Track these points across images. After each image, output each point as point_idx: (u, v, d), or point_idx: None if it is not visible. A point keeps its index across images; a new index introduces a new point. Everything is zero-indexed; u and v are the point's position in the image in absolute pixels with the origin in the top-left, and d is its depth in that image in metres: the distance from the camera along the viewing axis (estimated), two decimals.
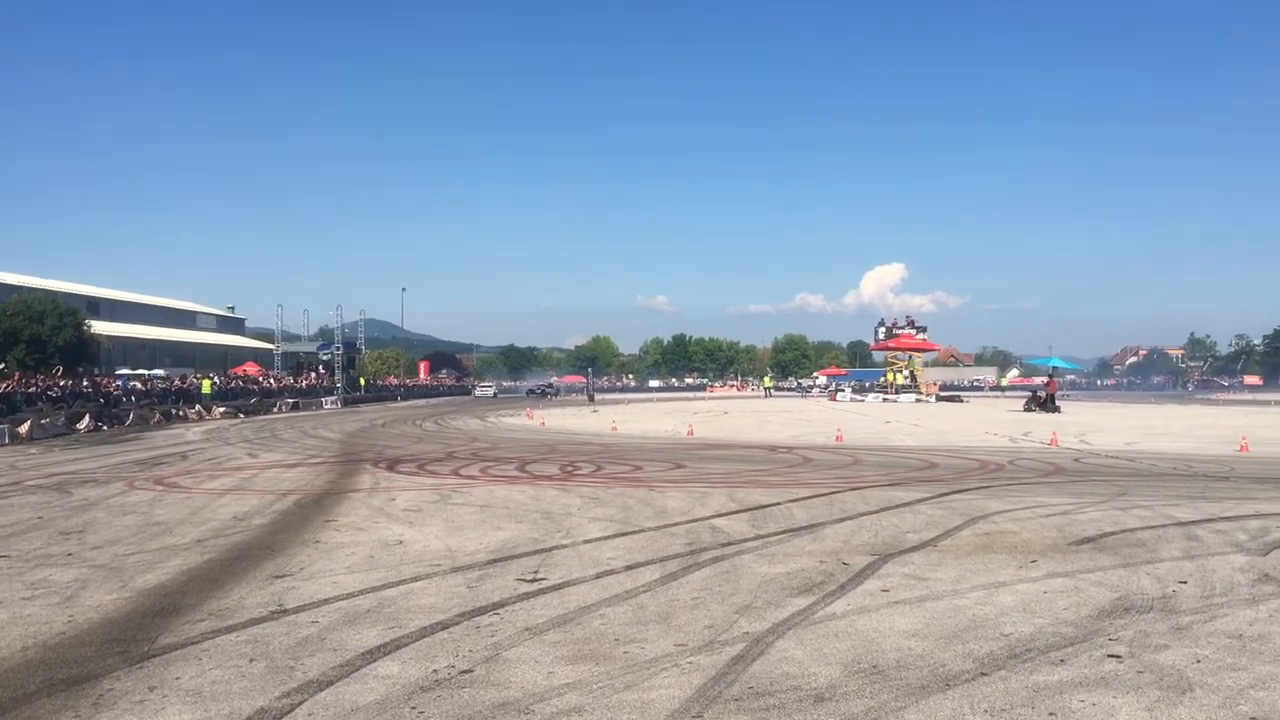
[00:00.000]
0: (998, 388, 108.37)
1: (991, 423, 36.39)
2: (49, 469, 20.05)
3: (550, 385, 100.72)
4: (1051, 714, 5.06)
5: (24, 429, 30.04)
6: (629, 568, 8.87)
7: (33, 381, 38.27)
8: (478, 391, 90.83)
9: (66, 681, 5.71)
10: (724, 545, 9.96)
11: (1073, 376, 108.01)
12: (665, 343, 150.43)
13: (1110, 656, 6.03)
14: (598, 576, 8.50)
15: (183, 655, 6.21)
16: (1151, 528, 10.84)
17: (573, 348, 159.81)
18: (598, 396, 78.34)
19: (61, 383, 39.70)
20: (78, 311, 56.32)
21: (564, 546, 10.02)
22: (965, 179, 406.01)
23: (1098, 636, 6.46)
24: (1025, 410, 45.61)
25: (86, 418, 35.49)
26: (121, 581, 8.54)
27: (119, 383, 46.94)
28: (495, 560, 9.31)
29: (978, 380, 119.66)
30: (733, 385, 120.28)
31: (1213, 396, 79.93)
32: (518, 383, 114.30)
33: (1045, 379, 55.99)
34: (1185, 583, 8.07)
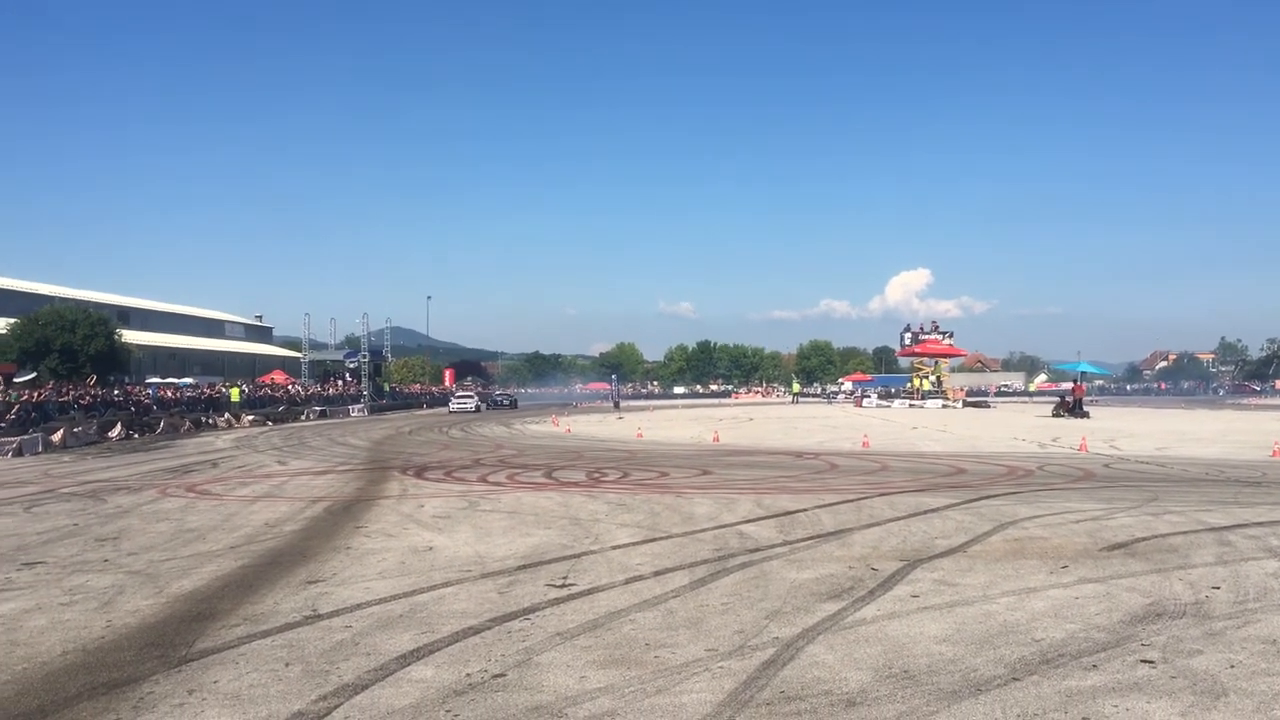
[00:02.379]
0: (1025, 393, 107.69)
1: (1019, 428, 36.17)
2: (83, 476, 20.29)
3: (506, 394, 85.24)
4: (1084, 718, 5.05)
5: (57, 437, 30.41)
6: (658, 573, 8.90)
7: (66, 390, 38.66)
8: (454, 404, 65.48)
9: (107, 685, 5.80)
10: (752, 551, 9.97)
11: (1101, 381, 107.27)
12: (690, 349, 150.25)
13: (1143, 662, 6.01)
14: (627, 582, 8.54)
15: (220, 659, 6.29)
16: (1183, 533, 10.77)
17: (597, 355, 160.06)
18: (623, 403, 78.43)
19: (94, 391, 40.08)
20: (109, 321, 56.76)
21: (593, 552, 10.07)
22: (991, 183, 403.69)
23: (1130, 642, 6.44)
24: (1054, 415, 45.30)
25: (118, 426, 35.87)
26: (157, 587, 8.65)
27: (149, 391, 47.38)
28: (525, 566, 9.36)
29: (1005, 385, 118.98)
30: (758, 391, 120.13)
31: (1244, 401, 79.07)
32: (542, 389, 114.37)
33: (1073, 384, 55.63)
34: (1218, 588, 8.03)
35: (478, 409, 63.66)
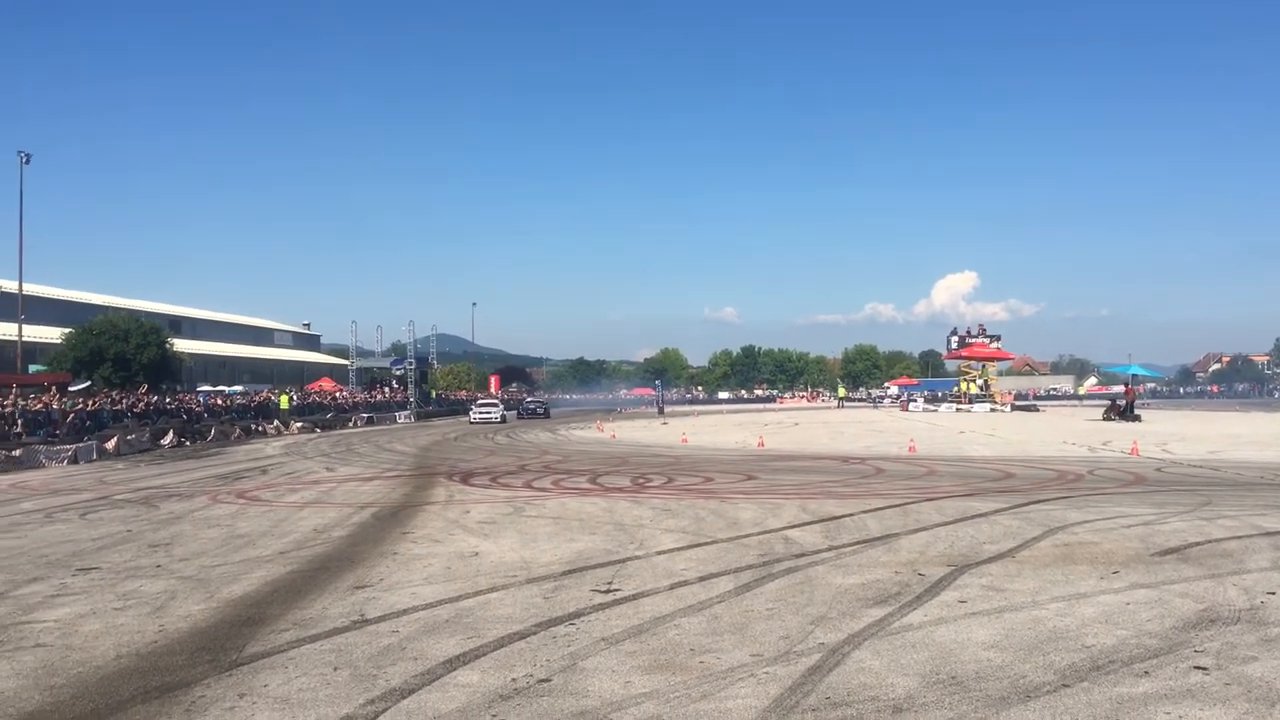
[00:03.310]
0: (1075, 396, 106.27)
1: (1069, 432, 35.72)
2: (135, 483, 20.64)
3: (539, 401, 75.78)
4: None
5: (111, 445, 30.95)
6: (703, 579, 8.89)
7: (119, 399, 39.35)
8: (475, 414, 57.81)
9: (160, 689, 5.89)
10: (797, 556, 9.93)
11: (1153, 384, 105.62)
12: (734, 354, 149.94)
13: (1196, 668, 5.91)
14: (672, 587, 8.53)
15: (270, 663, 6.37)
16: (1238, 538, 10.58)
17: (642, 360, 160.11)
18: (667, 409, 78.40)
19: (146, 399, 40.76)
20: (161, 330, 57.76)
21: (637, 558, 10.07)
22: (1038, 185, 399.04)
23: (1183, 648, 6.34)
24: (1104, 419, 44.70)
25: (170, 433, 36.48)
26: (209, 592, 8.77)
27: (200, 399, 48.12)
28: (570, 571, 9.39)
29: (1054, 389, 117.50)
30: (803, 396, 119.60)
31: None
32: (587, 395, 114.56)
33: (1124, 387, 54.84)
34: (1274, 594, 7.87)
35: (503, 419, 56.59)
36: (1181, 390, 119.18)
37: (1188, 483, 16.86)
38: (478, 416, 56.61)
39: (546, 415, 65.73)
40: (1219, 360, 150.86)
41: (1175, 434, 32.99)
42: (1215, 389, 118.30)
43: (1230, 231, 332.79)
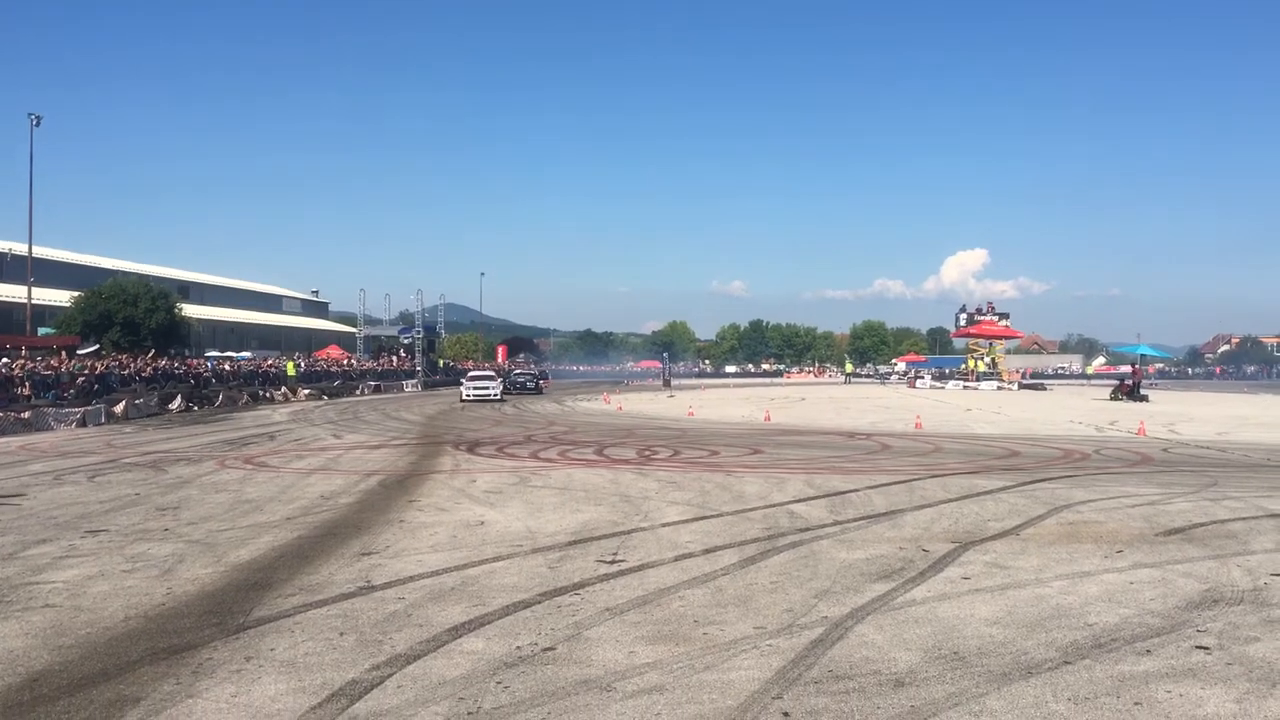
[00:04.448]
0: (1083, 375, 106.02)
1: (1076, 411, 35.66)
2: (144, 447, 20.73)
3: (529, 373, 60.48)
4: (1137, 704, 5.00)
5: (119, 409, 31.09)
6: (707, 551, 8.92)
7: (127, 363, 39.47)
8: (470, 389, 44.47)
9: (167, 650, 5.94)
10: (802, 530, 9.96)
11: (1161, 365, 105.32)
12: (742, 328, 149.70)
13: (1199, 648, 5.93)
14: (676, 559, 8.57)
15: (276, 628, 6.42)
16: (1243, 519, 10.58)
17: (649, 333, 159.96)
18: (674, 382, 78.40)
19: (154, 364, 40.88)
20: (170, 295, 57.80)
21: (642, 529, 10.11)
22: (1049, 163, 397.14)
23: (1186, 628, 6.36)
24: (1112, 399, 44.58)
25: (178, 398, 36.61)
26: (216, 556, 8.83)
27: (208, 364, 48.23)
28: (575, 542, 9.43)
29: (1062, 368, 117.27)
30: (810, 371, 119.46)
31: None
32: (594, 367, 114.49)
33: (1132, 367, 54.70)
34: (1278, 575, 7.88)
35: (501, 397, 44.88)
36: (1190, 371, 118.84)
37: (1194, 463, 16.84)
38: (472, 393, 43.82)
39: (539, 391, 53.74)
40: (1228, 341, 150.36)
41: (1182, 415, 32.91)
42: (1218, 370, 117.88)
43: (1243, 213, 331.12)
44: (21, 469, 16.55)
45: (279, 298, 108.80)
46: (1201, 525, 10.20)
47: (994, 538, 9.56)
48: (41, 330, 51.36)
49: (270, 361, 55.01)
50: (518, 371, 62.80)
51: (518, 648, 5.97)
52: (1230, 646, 5.96)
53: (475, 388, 44.66)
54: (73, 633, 6.36)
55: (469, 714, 4.87)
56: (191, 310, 65.62)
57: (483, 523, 10.59)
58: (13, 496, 13.04)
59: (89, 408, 29.48)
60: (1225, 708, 4.96)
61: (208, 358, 55.02)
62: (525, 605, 6.96)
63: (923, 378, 73.14)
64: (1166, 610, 6.80)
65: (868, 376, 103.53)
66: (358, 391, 54.13)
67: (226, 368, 48.44)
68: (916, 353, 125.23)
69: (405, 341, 74.79)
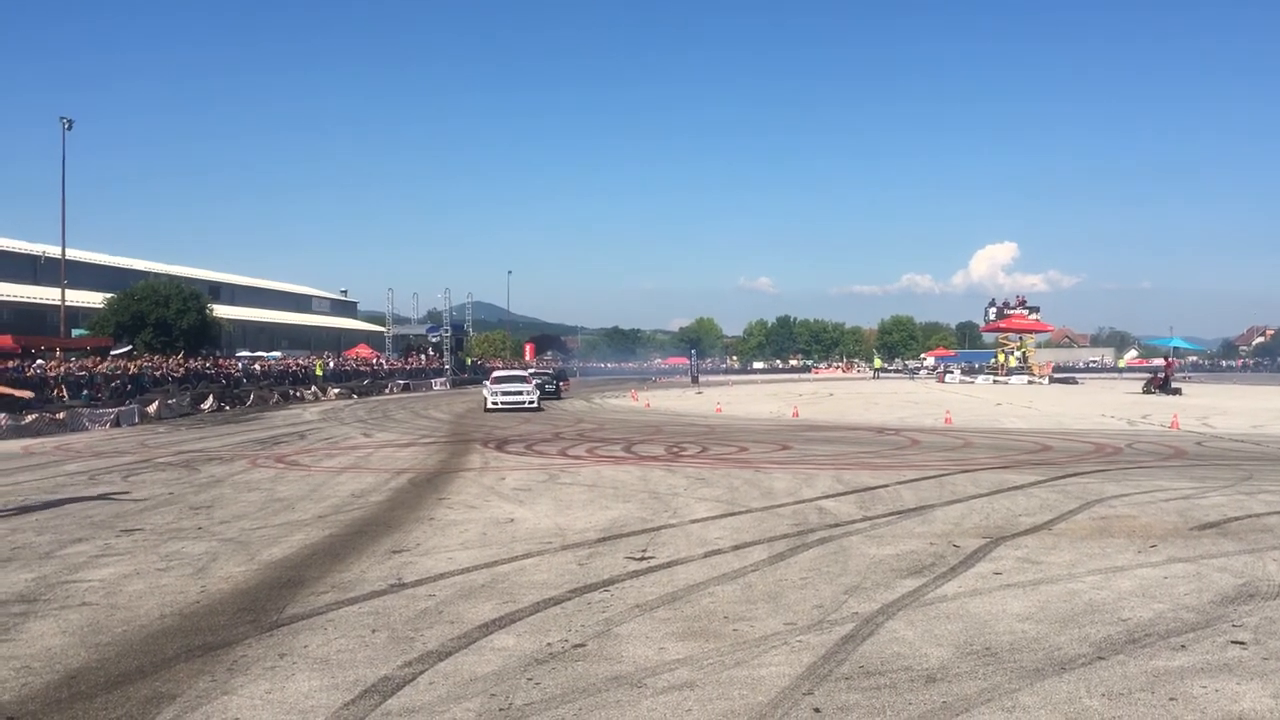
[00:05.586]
0: (1114, 369, 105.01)
1: (1108, 405, 35.36)
2: (177, 447, 20.93)
3: (546, 374, 48.85)
4: (1172, 699, 4.96)
5: (152, 409, 31.39)
6: (736, 547, 8.92)
7: (160, 363, 39.85)
8: (497, 394, 34.09)
9: (202, 648, 6.00)
10: (831, 526, 9.93)
11: (1195, 358, 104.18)
12: (769, 324, 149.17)
13: (1234, 643, 5.87)
14: (705, 556, 8.57)
15: (309, 625, 6.47)
16: (1278, 513, 10.46)
17: (676, 329, 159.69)
18: (701, 378, 78.30)
19: (186, 364, 41.26)
20: (201, 296, 58.18)
21: (671, 526, 10.11)
22: (1079, 156, 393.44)
23: (1221, 623, 6.29)
24: (1144, 392, 44.19)
25: (210, 398, 36.92)
26: (249, 554, 8.91)
27: (239, 364, 48.61)
28: (604, 539, 9.45)
29: (1093, 361, 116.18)
30: (838, 367, 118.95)
31: None
32: (621, 364, 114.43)
33: (1165, 360, 54.13)
34: None
35: (537, 403, 34.87)
36: (1224, 364, 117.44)
37: (1228, 457, 16.67)
38: (500, 399, 33.96)
39: (557, 396, 44.85)
40: (1262, 333, 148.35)
41: (1216, 408, 32.57)
42: (1239, 363, 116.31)
43: (1276, 203, 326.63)
44: (57, 469, 16.75)
45: (308, 298, 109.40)
46: (1236, 519, 10.09)
47: (1025, 533, 9.50)
48: (75, 332, 51.90)
49: (302, 362, 55.36)
50: (531, 371, 50.05)
51: (548, 644, 5.99)
52: (1266, 641, 5.90)
53: (503, 392, 34.41)
54: (109, 631, 6.43)
55: (500, 710, 4.89)
56: (222, 311, 66.08)
57: (512, 520, 10.62)
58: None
59: (123, 408, 29.78)
60: (1262, 703, 4.91)
61: (239, 358, 55.43)
62: (555, 602, 6.98)
63: (952, 372, 72.73)
64: (1201, 605, 6.74)
65: (896, 372, 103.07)
66: (386, 390, 54.39)
67: (257, 368, 48.82)
68: (945, 347, 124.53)
69: (433, 340, 75.06)
